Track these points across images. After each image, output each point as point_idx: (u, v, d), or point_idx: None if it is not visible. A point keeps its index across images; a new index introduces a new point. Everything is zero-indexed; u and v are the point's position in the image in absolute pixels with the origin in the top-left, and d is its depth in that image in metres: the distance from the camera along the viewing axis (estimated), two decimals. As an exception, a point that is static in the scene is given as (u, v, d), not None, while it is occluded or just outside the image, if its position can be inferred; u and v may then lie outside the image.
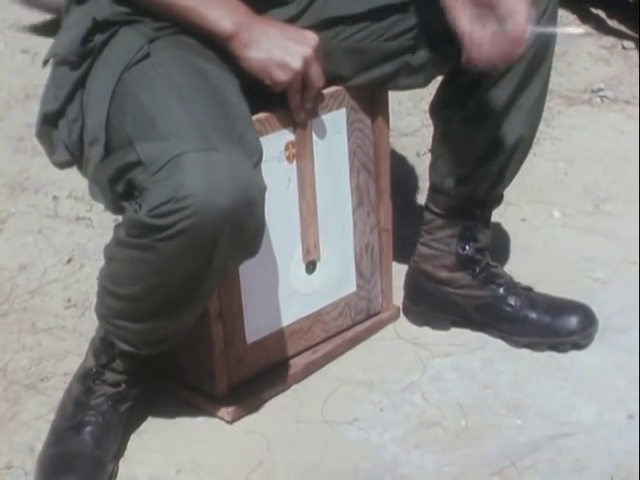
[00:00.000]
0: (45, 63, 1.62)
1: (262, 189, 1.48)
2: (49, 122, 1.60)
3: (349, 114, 1.78)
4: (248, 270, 1.71)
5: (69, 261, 2.11)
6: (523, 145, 1.84)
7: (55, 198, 2.29)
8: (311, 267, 1.82)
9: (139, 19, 1.57)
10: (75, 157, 1.59)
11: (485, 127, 1.80)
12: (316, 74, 1.62)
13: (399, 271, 2.01)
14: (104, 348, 1.67)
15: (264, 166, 1.61)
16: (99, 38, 1.56)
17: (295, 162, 1.73)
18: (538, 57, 1.76)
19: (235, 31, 1.56)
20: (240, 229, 1.45)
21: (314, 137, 1.74)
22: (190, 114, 1.47)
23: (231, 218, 1.42)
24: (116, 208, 1.54)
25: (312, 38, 1.61)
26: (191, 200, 1.40)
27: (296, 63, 1.58)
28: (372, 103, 1.81)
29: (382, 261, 1.93)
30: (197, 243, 1.43)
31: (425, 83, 1.80)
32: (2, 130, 2.47)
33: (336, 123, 1.77)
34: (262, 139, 1.63)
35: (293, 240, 1.78)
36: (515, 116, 1.79)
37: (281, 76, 1.59)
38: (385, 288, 1.95)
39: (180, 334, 1.63)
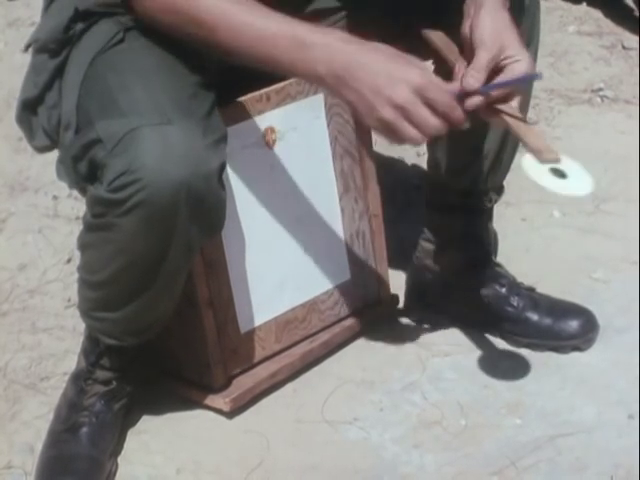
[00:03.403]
0: (27, 48, 1.63)
1: (219, 164, 1.49)
2: (29, 108, 1.61)
3: (327, 99, 1.79)
4: (235, 257, 1.72)
5: (69, 261, 2.11)
6: None
7: (55, 198, 2.29)
8: None
9: (121, 11, 1.58)
10: (54, 142, 1.60)
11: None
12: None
13: (400, 268, 2.01)
14: (91, 346, 1.68)
15: (244, 152, 1.64)
16: (79, 27, 1.57)
17: (275, 148, 1.73)
18: (525, 40, 1.77)
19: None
20: (197, 202, 1.45)
21: (293, 123, 1.75)
22: (151, 92, 1.48)
23: (185, 190, 1.43)
24: (80, 188, 1.55)
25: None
26: (144, 172, 1.41)
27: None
28: None
29: (375, 248, 1.92)
30: (154, 216, 1.44)
31: None
32: (2, 130, 2.47)
33: (314, 108, 1.78)
34: (240, 125, 1.66)
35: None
36: None
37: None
38: (381, 275, 1.95)
39: (159, 322, 1.63)
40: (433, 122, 1.38)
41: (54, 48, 1.57)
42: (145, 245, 1.48)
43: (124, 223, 1.45)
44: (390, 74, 1.36)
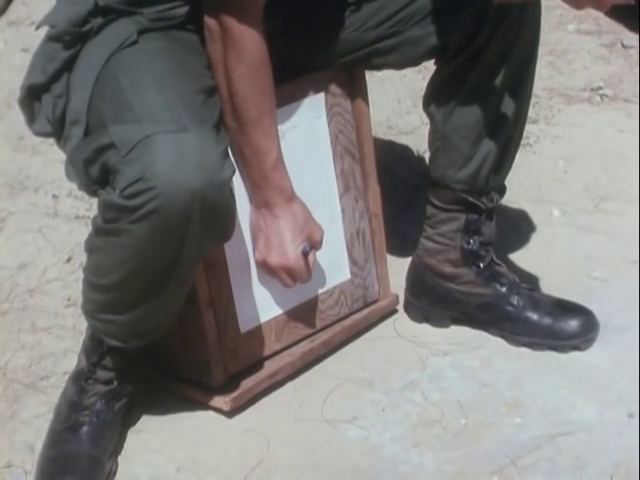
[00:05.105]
0: (38, 28, 1.62)
1: (231, 173, 1.49)
2: (33, 93, 1.60)
3: (327, 99, 1.79)
4: (235, 257, 1.72)
5: (69, 260, 2.11)
6: (518, 127, 1.85)
7: (55, 197, 2.29)
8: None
9: (140, 11, 1.58)
10: (56, 131, 1.60)
11: (480, 112, 1.80)
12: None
13: (401, 268, 2.01)
14: (93, 346, 1.68)
15: None
16: (97, 22, 1.57)
17: None
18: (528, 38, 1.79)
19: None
20: (210, 211, 1.45)
21: (293, 122, 1.75)
22: (165, 98, 1.48)
23: (200, 200, 1.43)
24: (89, 190, 1.55)
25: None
26: (158, 180, 1.40)
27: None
28: (350, 87, 1.82)
29: (375, 247, 1.93)
30: (167, 224, 1.43)
31: (399, 66, 1.88)
32: (2, 129, 2.47)
33: (315, 108, 1.78)
34: None
35: None
36: (509, 97, 1.80)
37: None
38: (381, 275, 1.95)
39: (164, 326, 1.63)
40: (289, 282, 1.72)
41: (69, 40, 1.57)
42: (156, 252, 1.48)
43: (136, 230, 1.44)
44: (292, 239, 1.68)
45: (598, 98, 2.72)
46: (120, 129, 1.46)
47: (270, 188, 1.65)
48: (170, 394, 1.80)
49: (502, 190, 1.92)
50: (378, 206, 1.91)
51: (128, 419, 1.74)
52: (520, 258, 2.12)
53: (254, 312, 1.78)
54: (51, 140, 1.68)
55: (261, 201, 1.67)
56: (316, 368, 1.88)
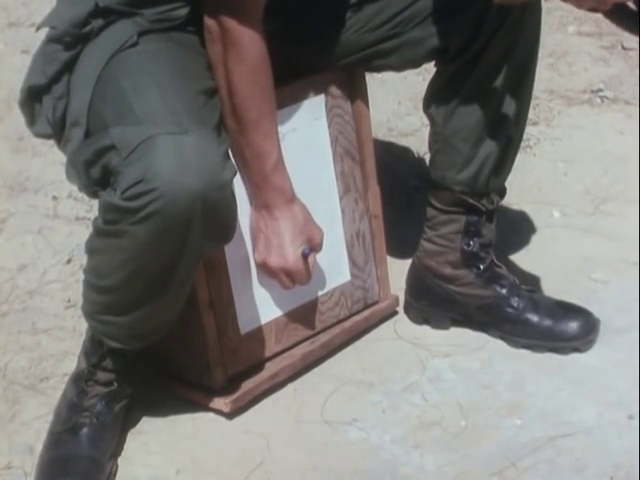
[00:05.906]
0: (38, 29, 1.62)
1: (232, 174, 1.49)
2: (33, 95, 1.60)
3: (327, 100, 1.80)
4: (235, 258, 1.72)
5: (69, 261, 2.11)
6: (519, 128, 1.85)
7: (55, 198, 2.29)
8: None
9: (140, 12, 1.58)
10: (56, 132, 1.60)
11: (480, 113, 1.80)
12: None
13: (401, 269, 2.01)
14: (94, 348, 1.68)
15: None
16: (97, 23, 1.57)
17: None
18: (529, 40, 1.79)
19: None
20: (211, 213, 1.45)
21: (293, 124, 1.75)
22: (166, 99, 1.48)
23: (201, 201, 1.43)
24: (90, 192, 1.55)
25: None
26: (159, 181, 1.40)
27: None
28: (350, 88, 1.82)
29: (375, 249, 1.93)
30: (168, 226, 1.43)
31: (399, 67, 1.87)
32: (2, 130, 2.47)
33: (315, 109, 1.78)
34: None
35: None
36: (509, 98, 1.80)
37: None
38: (381, 276, 1.95)
39: (164, 327, 1.63)
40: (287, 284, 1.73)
41: (69, 41, 1.57)
42: (156, 254, 1.48)
43: (137, 231, 1.44)
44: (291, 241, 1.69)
45: (598, 100, 2.72)
46: (121, 131, 1.46)
47: (270, 190, 1.65)
48: (170, 396, 1.80)
49: (502, 192, 1.92)
50: (378, 207, 1.91)
51: (128, 421, 1.74)
52: (520, 260, 2.12)
53: (254, 313, 1.78)
54: (51, 141, 1.69)
55: (261, 203, 1.67)
56: (316, 370, 1.88)
